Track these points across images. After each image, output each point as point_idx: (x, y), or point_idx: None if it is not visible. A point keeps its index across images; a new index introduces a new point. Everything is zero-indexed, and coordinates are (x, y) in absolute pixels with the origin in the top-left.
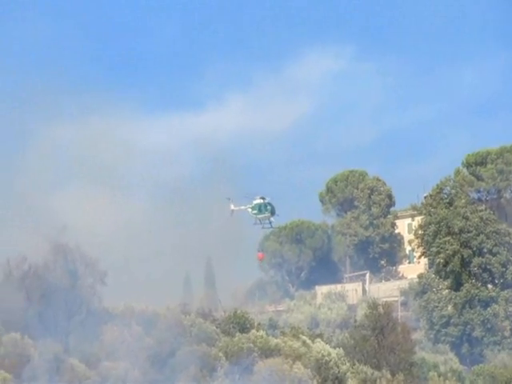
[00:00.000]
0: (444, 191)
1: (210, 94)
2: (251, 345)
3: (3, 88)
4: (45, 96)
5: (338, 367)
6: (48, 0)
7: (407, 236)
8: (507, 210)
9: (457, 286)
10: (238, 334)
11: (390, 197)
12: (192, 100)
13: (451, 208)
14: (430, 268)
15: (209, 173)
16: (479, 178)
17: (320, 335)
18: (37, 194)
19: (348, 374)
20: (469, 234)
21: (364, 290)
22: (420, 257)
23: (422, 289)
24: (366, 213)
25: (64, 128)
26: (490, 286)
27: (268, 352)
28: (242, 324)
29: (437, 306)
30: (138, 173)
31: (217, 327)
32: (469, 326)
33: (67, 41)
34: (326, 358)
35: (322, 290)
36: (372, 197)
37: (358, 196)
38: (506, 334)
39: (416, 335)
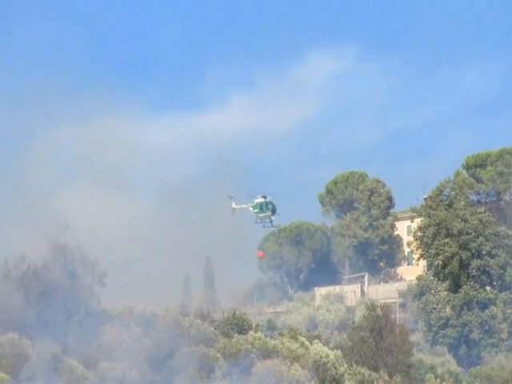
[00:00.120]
0: (443, 193)
1: (213, 95)
2: (249, 346)
3: (5, 88)
4: (47, 96)
5: (335, 368)
6: (49, 0)
7: (406, 238)
8: (506, 213)
9: (455, 287)
10: (236, 335)
11: (389, 198)
12: (195, 100)
13: (450, 210)
14: (428, 270)
15: (212, 173)
16: (479, 180)
17: (318, 337)
18: (39, 194)
19: (346, 375)
20: (468, 236)
21: (363, 292)
22: (419, 259)
23: (420, 291)
24: (366, 214)
25: (67, 128)
26: (488, 288)
27: (266, 353)
28: (240, 325)
29: (435, 308)
30: (142, 173)
31: (215, 328)
32: (467, 328)
33: (69, 41)
34: (324, 359)
35: (320, 291)
36: (372, 198)
37: (357, 197)
38: (504, 336)
39: (414, 337)
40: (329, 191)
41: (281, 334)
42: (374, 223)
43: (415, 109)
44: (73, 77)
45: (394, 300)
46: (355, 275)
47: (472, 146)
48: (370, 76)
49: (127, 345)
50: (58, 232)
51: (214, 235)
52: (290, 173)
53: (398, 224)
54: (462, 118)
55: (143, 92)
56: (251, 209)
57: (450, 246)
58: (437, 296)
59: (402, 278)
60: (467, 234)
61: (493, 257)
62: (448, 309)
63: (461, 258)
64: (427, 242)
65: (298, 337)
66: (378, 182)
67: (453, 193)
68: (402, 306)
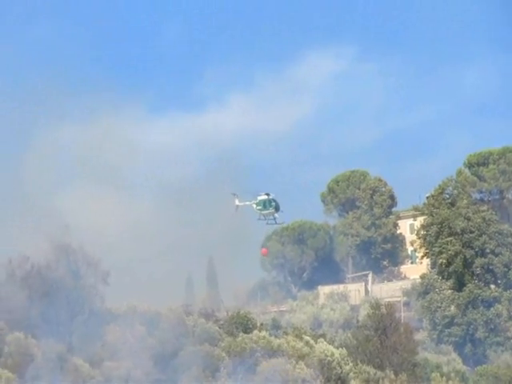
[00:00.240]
0: (446, 192)
1: (212, 95)
2: (254, 345)
3: (5, 88)
4: (47, 96)
5: (340, 367)
6: (49, 0)
7: (409, 236)
8: (509, 211)
9: (459, 286)
10: (240, 334)
11: (391, 197)
12: (194, 101)
13: (453, 208)
14: (432, 268)
15: (213, 173)
16: (481, 179)
17: (323, 335)
18: (40, 194)
19: (351, 374)
20: (471, 235)
21: (366, 291)
22: (422, 257)
23: (424, 289)
24: (368, 213)
25: (67, 128)
26: (492, 286)
27: (271, 352)
28: (244, 324)
29: (439, 307)
30: (142, 173)
31: (220, 327)
32: (472, 327)
33: (69, 41)
34: (329, 358)
35: (324, 290)
36: (374, 197)
37: (359, 196)
38: (509, 334)
39: (419, 335)
40: (330, 190)
41: (285, 333)
42: (377, 222)
43: (414, 109)
44: (73, 77)
45: (398, 299)
46: (359, 274)
47: (471, 146)
48: (369, 76)
49: (131, 344)
50: (61, 232)
51: (216, 235)
52: (290, 173)
53: (400, 223)
54: (460, 117)
55: (143, 92)
56: (254, 206)
57: (454, 245)
58: (441, 294)
59: (405, 276)
60: (470, 233)
61: (497, 255)
62: (453, 307)
63: (464, 256)
64: (430, 240)
65: (303, 336)
66: (380, 180)
67: (455, 191)
68: (407, 304)
